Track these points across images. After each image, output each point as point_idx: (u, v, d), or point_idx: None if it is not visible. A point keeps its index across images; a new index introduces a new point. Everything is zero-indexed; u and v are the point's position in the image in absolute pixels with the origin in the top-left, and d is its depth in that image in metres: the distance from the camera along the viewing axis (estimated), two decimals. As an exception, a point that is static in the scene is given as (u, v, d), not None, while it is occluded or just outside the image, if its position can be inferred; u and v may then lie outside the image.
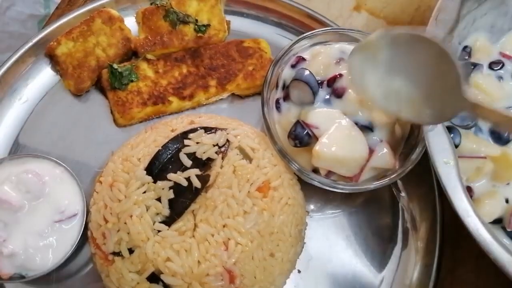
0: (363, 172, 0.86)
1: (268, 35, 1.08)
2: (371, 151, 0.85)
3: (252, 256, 0.79)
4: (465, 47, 0.93)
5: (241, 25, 1.09)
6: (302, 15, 1.09)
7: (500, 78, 0.91)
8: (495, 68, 0.92)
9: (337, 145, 0.81)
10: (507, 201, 0.84)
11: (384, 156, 0.85)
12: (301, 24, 1.09)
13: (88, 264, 0.89)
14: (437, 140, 0.77)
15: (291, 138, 0.86)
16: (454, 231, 0.94)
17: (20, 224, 0.83)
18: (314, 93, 0.86)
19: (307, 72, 0.86)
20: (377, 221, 0.98)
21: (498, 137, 0.86)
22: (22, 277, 0.83)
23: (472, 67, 0.90)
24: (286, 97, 0.90)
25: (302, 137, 0.84)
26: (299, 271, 0.92)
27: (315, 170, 0.88)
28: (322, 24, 1.06)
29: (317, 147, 0.81)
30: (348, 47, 0.92)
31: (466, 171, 0.81)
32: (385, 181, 0.86)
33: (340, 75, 0.87)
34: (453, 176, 0.75)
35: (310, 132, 0.84)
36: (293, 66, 0.92)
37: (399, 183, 0.99)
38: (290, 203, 0.85)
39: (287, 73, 0.92)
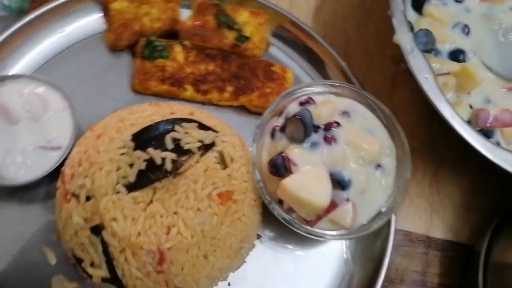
0: (320, 220, 0.90)
1: (297, 70, 1.15)
2: (334, 205, 0.89)
3: (187, 250, 0.84)
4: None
5: (278, 51, 1.16)
6: (337, 68, 1.14)
7: (444, 4, 1.09)
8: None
9: (303, 186, 0.85)
10: (471, 106, 1.03)
11: (345, 213, 0.89)
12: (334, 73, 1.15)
13: (51, 196, 0.95)
14: (416, 61, 0.94)
15: (269, 164, 0.91)
16: None
17: (9, 136, 0.91)
18: (306, 134, 0.90)
19: (308, 114, 0.91)
20: (323, 270, 1.02)
21: (454, 58, 1.04)
22: (-9, 181, 0.91)
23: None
24: (283, 129, 0.95)
25: (280, 167, 0.89)
26: (229, 284, 0.97)
27: (280, 202, 0.93)
28: (348, 79, 1.11)
29: (284, 180, 0.86)
30: (359, 107, 0.98)
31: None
32: (337, 236, 0.90)
33: (337, 124, 0.92)
34: (434, 88, 0.93)
35: (287, 166, 0.89)
36: (301, 104, 0.97)
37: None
38: (243, 220, 0.90)
39: (293, 108, 0.97)
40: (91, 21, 1.11)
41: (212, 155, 0.90)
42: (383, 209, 0.93)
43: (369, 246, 1.03)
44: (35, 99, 0.93)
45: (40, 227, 0.95)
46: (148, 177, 0.84)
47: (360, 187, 0.91)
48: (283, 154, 0.90)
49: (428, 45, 1.01)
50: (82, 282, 0.93)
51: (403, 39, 0.95)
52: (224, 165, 0.91)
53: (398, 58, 1.15)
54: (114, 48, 1.08)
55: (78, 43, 1.09)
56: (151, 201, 0.84)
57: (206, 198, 0.86)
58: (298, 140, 0.92)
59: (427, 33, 1.01)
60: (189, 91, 1.06)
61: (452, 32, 1.07)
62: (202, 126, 0.92)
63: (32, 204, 0.97)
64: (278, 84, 1.09)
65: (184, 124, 0.90)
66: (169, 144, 0.87)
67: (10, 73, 1.02)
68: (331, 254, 1.03)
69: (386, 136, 0.97)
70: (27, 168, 0.91)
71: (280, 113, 0.98)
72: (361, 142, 0.92)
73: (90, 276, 0.85)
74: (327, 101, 0.98)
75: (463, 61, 1.04)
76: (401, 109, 1.16)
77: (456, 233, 1.11)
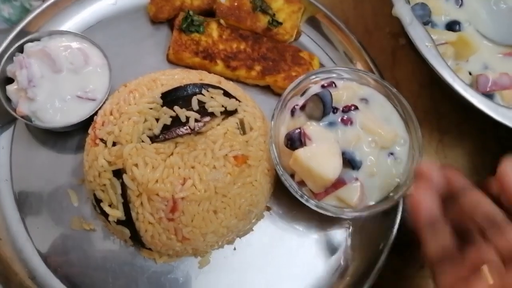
0: (328, 195, 0.95)
1: (325, 60, 1.20)
2: (343, 182, 0.94)
3: (199, 203, 0.90)
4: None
5: (308, 40, 1.22)
6: (364, 62, 1.20)
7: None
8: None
9: (314, 157, 0.90)
10: (470, 73, 1.09)
11: (352, 192, 0.94)
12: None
13: (81, 144, 1.03)
14: (416, 31, 0.99)
15: (286, 137, 0.96)
16: None
17: (51, 82, 0.98)
18: (324, 113, 0.96)
19: (328, 94, 0.97)
20: (325, 251, 1.06)
21: (450, 28, 1.11)
22: (30, 121, 0.99)
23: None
24: (303, 107, 1.00)
25: (295, 140, 0.94)
26: (234, 249, 1.02)
27: (292, 176, 0.98)
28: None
29: (297, 150, 0.91)
30: (379, 96, 1.02)
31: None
32: (343, 212, 0.95)
33: (356, 107, 0.97)
34: (436, 55, 0.98)
35: (302, 140, 0.94)
36: (323, 86, 1.02)
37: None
38: (255, 184, 0.95)
39: (315, 89, 1.02)
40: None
41: (233, 120, 0.96)
42: (391, 194, 0.97)
43: (372, 238, 1.07)
44: (78, 53, 1.01)
45: (68, 171, 1.03)
46: (171, 131, 0.91)
47: (370, 170, 0.95)
48: (300, 129, 0.95)
49: (425, 18, 1.08)
50: (98, 225, 1.00)
51: (402, 11, 1.01)
52: (243, 132, 0.97)
53: (397, 33, 1.26)
54: (155, 20, 1.16)
55: (124, 12, 1.17)
56: (171, 154, 0.91)
57: (222, 158, 0.92)
58: (316, 117, 0.97)
59: (423, 6, 1.08)
60: (220, 66, 1.12)
61: (447, 4, 1.14)
62: (227, 94, 0.98)
63: (64, 149, 1.05)
64: (304, 69, 1.14)
65: (210, 89, 0.96)
66: (195, 105, 0.93)
67: (60, 29, 1.11)
68: (335, 237, 1.07)
69: (402, 127, 1.01)
70: (64, 113, 0.99)
71: (302, 94, 1.04)
72: (376, 128, 0.96)
73: (107, 216, 0.92)
74: (349, 87, 1.02)
75: (459, 31, 1.11)
76: (403, 82, 1.23)
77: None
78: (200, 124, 0.92)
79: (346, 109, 0.98)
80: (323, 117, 0.97)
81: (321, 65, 1.18)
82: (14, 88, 0.99)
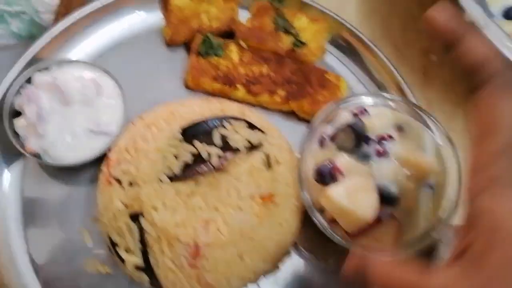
0: (362, 235, 0.87)
1: (352, 80, 1.13)
2: (378, 220, 0.86)
3: (223, 247, 0.82)
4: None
5: (333, 59, 1.15)
6: (393, 82, 1.12)
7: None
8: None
9: (348, 196, 0.82)
10: None
11: (389, 230, 0.86)
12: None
13: (95, 180, 0.96)
14: (493, 33, 0.88)
15: (314, 171, 0.88)
16: None
17: (62, 116, 0.92)
18: (357, 144, 0.88)
19: (360, 124, 0.89)
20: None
21: (508, 16, 1.00)
22: (40, 158, 0.92)
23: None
24: (333, 138, 0.92)
25: (325, 175, 0.86)
26: (258, 286, 0.94)
27: (322, 211, 0.90)
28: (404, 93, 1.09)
29: (330, 187, 0.83)
30: (415, 124, 0.93)
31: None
32: (377, 253, 0.86)
33: (391, 137, 0.89)
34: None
35: (334, 174, 0.86)
36: (354, 114, 0.94)
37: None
38: (283, 224, 0.88)
39: (345, 117, 0.94)
40: (152, 15, 1.12)
41: (258, 155, 0.89)
42: (431, 231, 0.88)
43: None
44: (89, 84, 0.95)
45: (81, 209, 0.96)
46: (193, 170, 0.84)
47: (408, 205, 0.87)
48: (330, 162, 0.87)
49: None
50: (114, 267, 0.93)
51: (475, 14, 0.91)
52: (269, 167, 0.89)
53: (427, 49, 1.18)
54: (171, 44, 1.09)
55: (138, 35, 1.10)
56: (192, 194, 0.84)
57: (248, 197, 0.85)
58: (347, 149, 0.89)
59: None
60: (241, 92, 1.05)
61: None
62: (251, 126, 0.91)
63: (76, 186, 0.98)
64: (330, 92, 1.07)
65: (233, 122, 0.89)
66: (217, 140, 0.86)
67: (69, 57, 1.05)
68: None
69: (440, 158, 0.92)
70: (75, 149, 0.92)
71: (330, 121, 0.96)
72: (413, 160, 0.88)
73: (123, 261, 0.85)
74: (382, 114, 0.94)
75: None
76: (435, 102, 1.16)
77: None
78: (223, 161, 0.85)
79: (380, 140, 0.89)
80: (355, 149, 0.89)
81: (349, 88, 1.10)
82: (22, 123, 0.92)
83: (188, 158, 0.84)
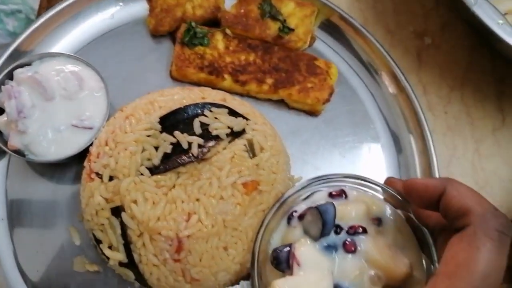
0: None
1: (343, 66, 1.09)
2: None
3: (206, 240, 0.80)
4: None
5: (324, 45, 1.11)
6: (385, 66, 1.08)
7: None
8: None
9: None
10: None
11: None
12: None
13: (80, 175, 0.94)
14: (483, 10, 0.90)
15: (272, 254, 0.77)
16: None
17: (43, 112, 0.90)
18: (323, 232, 0.76)
19: (332, 210, 0.76)
20: None
21: None
22: (23, 155, 0.91)
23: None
24: (301, 217, 0.80)
25: (282, 262, 0.75)
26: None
27: None
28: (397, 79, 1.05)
29: (276, 281, 0.72)
30: (397, 216, 0.80)
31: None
32: None
33: (364, 230, 0.76)
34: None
35: (290, 262, 0.74)
36: (330, 195, 0.82)
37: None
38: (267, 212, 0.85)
39: (321, 196, 0.83)
40: (136, 5, 1.10)
41: (240, 142, 0.86)
42: None
43: None
44: (71, 77, 0.93)
45: (68, 206, 0.95)
46: (173, 160, 0.81)
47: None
48: (290, 248, 0.75)
49: None
50: (103, 265, 0.91)
51: None
52: (253, 154, 0.86)
53: (421, 32, 1.15)
54: (155, 33, 1.07)
55: (122, 26, 1.08)
56: (173, 186, 0.81)
57: (230, 186, 0.82)
58: (312, 236, 0.77)
59: None
60: (228, 81, 1.02)
61: None
62: (233, 113, 0.88)
63: (61, 182, 0.96)
64: (320, 79, 1.03)
65: (214, 109, 0.87)
66: (197, 129, 0.83)
67: (52, 51, 1.03)
68: None
69: (419, 259, 0.77)
70: (59, 145, 0.91)
71: (305, 197, 0.84)
72: (384, 262, 0.74)
73: (108, 259, 0.83)
74: (361, 201, 0.81)
75: None
76: (430, 86, 1.13)
77: (508, 209, 1.04)
78: (204, 150, 0.82)
79: (352, 231, 0.77)
80: (321, 237, 0.76)
81: (340, 74, 1.06)
82: (4, 120, 0.91)
83: (168, 149, 0.82)
